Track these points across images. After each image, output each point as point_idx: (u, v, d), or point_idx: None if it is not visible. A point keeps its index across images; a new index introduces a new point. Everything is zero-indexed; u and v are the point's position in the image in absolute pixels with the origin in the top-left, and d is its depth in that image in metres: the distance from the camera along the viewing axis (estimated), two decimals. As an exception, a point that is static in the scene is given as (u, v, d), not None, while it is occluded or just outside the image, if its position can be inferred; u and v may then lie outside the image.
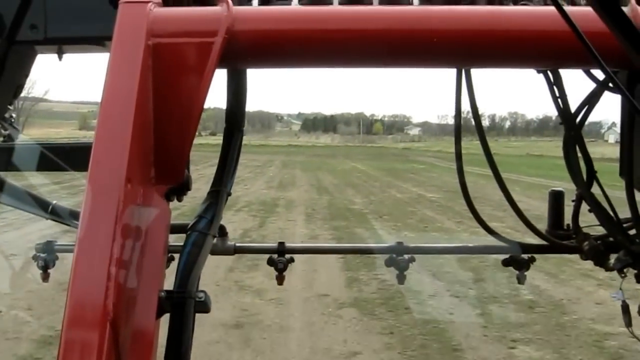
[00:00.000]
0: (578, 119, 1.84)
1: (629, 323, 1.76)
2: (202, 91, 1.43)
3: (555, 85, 1.80)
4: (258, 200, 20.37)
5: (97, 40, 1.87)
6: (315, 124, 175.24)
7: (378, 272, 9.41)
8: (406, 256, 2.17)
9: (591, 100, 1.83)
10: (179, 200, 1.66)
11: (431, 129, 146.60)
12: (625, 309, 1.79)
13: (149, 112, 1.40)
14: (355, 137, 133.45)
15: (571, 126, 1.83)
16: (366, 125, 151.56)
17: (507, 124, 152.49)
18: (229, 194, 1.81)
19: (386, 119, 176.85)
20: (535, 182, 26.25)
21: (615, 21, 0.92)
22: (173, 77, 1.43)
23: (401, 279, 2.21)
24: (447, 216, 16.68)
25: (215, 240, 1.86)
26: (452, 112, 1.95)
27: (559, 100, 1.81)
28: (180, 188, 1.59)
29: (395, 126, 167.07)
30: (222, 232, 2.21)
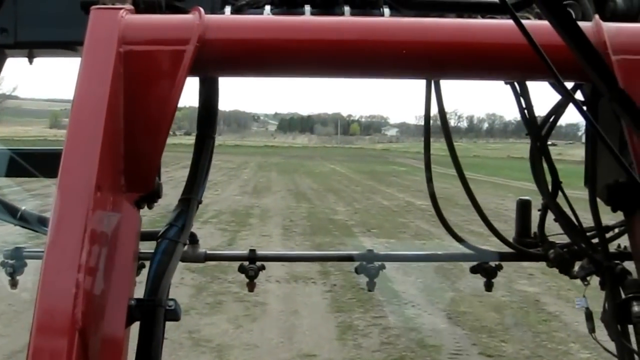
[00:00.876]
0: (544, 130, 1.87)
1: (592, 329, 1.76)
2: (174, 99, 1.44)
3: (522, 96, 1.82)
4: (229, 209, 18.14)
5: (68, 45, 1.87)
6: (292, 124, 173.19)
7: (377, 312, 7.33)
8: (377, 264, 2.15)
9: (557, 112, 1.86)
10: (150, 208, 1.63)
11: (409, 129, 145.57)
12: (589, 315, 1.79)
13: (120, 120, 1.40)
14: (332, 137, 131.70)
15: (537, 137, 1.84)
16: (343, 126, 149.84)
17: (485, 125, 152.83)
18: (200, 202, 1.79)
19: (363, 119, 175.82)
20: (525, 187, 24.54)
21: (572, 38, 0.99)
22: (144, 84, 1.44)
23: (371, 285, 2.15)
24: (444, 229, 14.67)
25: (185, 247, 1.84)
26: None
27: (526, 111, 1.84)
28: (150, 196, 1.56)
29: (373, 127, 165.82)
30: (193, 240, 2.12)
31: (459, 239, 2.13)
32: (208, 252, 2.24)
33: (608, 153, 1.33)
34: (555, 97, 1.85)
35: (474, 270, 2.20)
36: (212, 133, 1.86)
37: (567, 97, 1.62)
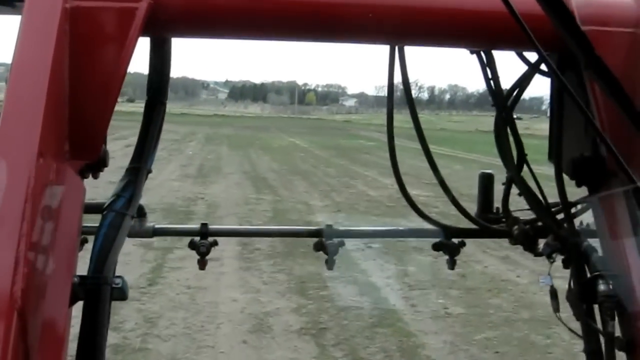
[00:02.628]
0: (510, 101, 1.83)
1: (556, 309, 1.67)
2: (124, 61, 1.37)
3: (488, 66, 1.76)
4: (162, 204, 13.06)
5: (6, 1, 1.72)
6: (244, 92, 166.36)
7: None
8: (336, 240, 2.02)
9: (523, 83, 1.83)
10: (95, 177, 1.56)
11: (368, 100, 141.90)
12: (554, 294, 1.70)
13: (65, 82, 1.34)
14: (287, 107, 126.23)
15: (503, 108, 1.80)
16: (298, 95, 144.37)
17: (447, 96, 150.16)
18: (150, 171, 1.73)
19: (320, 88, 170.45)
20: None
21: (549, 5, 0.99)
22: (92, 44, 1.37)
23: (331, 264, 2.02)
24: (476, 243, 10.32)
25: (132, 221, 1.67)
26: None
27: (491, 81, 1.78)
28: (96, 164, 1.50)
29: (330, 97, 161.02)
30: (141, 213, 1.94)
31: (423, 215, 1.96)
32: (157, 226, 2.03)
33: (573, 127, 1.55)
34: (519, 70, 1.80)
35: (436, 247, 2.04)
36: (163, 99, 1.78)
37: (540, 63, 1.62)
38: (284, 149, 32.76)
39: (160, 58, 1.76)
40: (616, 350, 1.40)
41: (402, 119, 2.01)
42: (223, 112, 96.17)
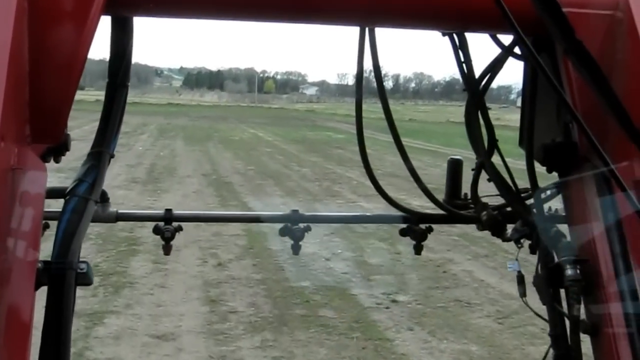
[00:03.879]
0: (481, 85, 1.81)
1: (523, 293, 1.71)
2: (86, 40, 1.34)
3: (461, 49, 1.74)
4: (94, 226, 10.18)
5: None
6: (199, 79, 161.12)
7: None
8: (301, 225, 2.02)
9: (495, 67, 1.81)
10: (57, 161, 1.57)
11: (330, 89, 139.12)
12: (521, 279, 1.75)
13: (24, 63, 1.30)
14: (245, 95, 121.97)
15: (474, 92, 1.78)
16: (257, 83, 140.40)
17: (412, 85, 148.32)
18: (112, 156, 1.70)
19: (279, 76, 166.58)
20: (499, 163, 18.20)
21: None
22: (52, 23, 1.33)
23: (296, 249, 2.03)
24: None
25: (95, 206, 1.65)
26: (354, 71, 1.82)
27: (464, 65, 1.76)
28: (58, 148, 1.52)
29: (290, 85, 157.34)
30: (104, 198, 1.91)
31: (390, 201, 1.94)
32: (120, 211, 1.99)
33: (544, 113, 1.56)
34: (490, 54, 1.79)
35: (403, 233, 2.02)
36: (125, 81, 1.73)
37: (513, 47, 1.64)
38: (247, 142, 29.77)
39: (122, 39, 1.70)
40: (581, 334, 1.42)
41: (366, 108, 1.86)
42: (178, 101, 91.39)
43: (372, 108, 1.85)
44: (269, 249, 9.58)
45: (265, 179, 17.04)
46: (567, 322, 1.48)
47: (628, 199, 1.09)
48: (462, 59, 1.75)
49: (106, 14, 1.40)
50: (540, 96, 1.65)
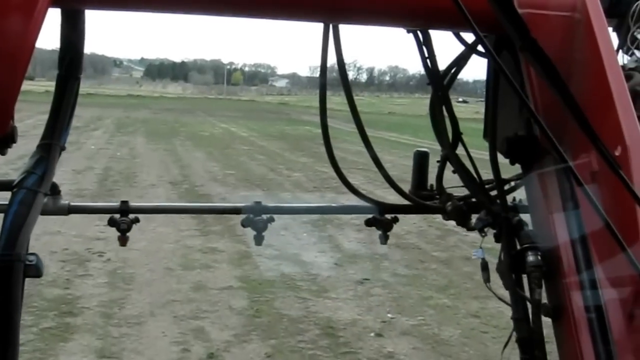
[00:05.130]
0: (445, 80, 1.87)
1: (487, 279, 1.79)
2: (33, 32, 1.34)
3: (425, 45, 1.79)
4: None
5: None
6: (162, 71, 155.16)
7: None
8: (265, 216, 2.02)
9: (460, 62, 1.88)
10: (3, 153, 1.56)
11: (301, 81, 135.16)
12: (484, 266, 1.81)
13: None
14: (211, 87, 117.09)
15: (438, 87, 1.85)
16: (225, 74, 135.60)
17: (387, 78, 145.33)
18: (63, 148, 1.68)
19: (247, 68, 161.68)
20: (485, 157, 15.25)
21: None
22: None
23: (259, 240, 2.04)
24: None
25: (46, 199, 1.69)
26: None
27: (428, 60, 1.81)
28: (4, 139, 1.51)
29: (258, 77, 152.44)
30: (55, 191, 1.90)
31: (355, 191, 1.97)
32: (72, 204, 1.95)
33: (508, 107, 1.63)
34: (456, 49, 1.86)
35: (369, 223, 2.06)
36: (76, 74, 1.71)
37: (477, 44, 1.70)
38: (219, 139, 26.27)
39: (72, 31, 1.68)
40: (542, 317, 1.49)
41: (340, 101, 1.71)
42: (138, 92, 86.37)
43: (343, 99, 1.78)
44: (285, 314, 6.32)
45: (252, 188, 13.69)
46: (530, 307, 1.53)
47: (583, 191, 1.20)
48: (427, 55, 1.76)
49: (54, 6, 1.43)
50: (503, 91, 1.70)
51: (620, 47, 1.73)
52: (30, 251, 1.42)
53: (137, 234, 9.16)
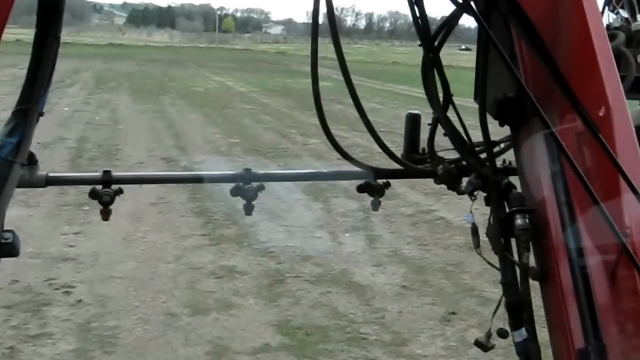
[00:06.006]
0: (437, 41, 1.87)
1: (477, 245, 1.84)
2: None
3: (416, 4, 1.80)
4: None
5: None
6: (147, 17, 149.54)
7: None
8: (254, 184, 1.97)
9: (451, 22, 1.88)
10: None
11: (297, 28, 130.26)
12: (475, 231, 1.85)
13: None
14: (201, 35, 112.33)
15: (430, 48, 1.84)
16: (213, 21, 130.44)
17: (387, 25, 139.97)
18: (41, 114, 1.66)
19: (238, 14, 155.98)
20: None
21: None
22: None
23: (248, 209, 1.99)
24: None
25: (22, 170, 1.66)
26: (323, 10, 1.78)
27: (419, 20, 1.80)
28: None
29: (251, 23, 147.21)
30: (32, 160, 1.85)
31: (346, 156, 1.96)
32: (50, 174, 1.89)
33: (497, 68, 1.63)
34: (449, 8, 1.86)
35: (360, 189, 2.07)
36: (56, 32, 1.67)
37: (467, 4, 1.70)
38: (215, 96, 23.61)
39: None
40: (530, 280, 1.55)
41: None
42: (121, 41, 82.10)
43: (347, 49, 1.76)
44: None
45: (264, 162, 11.24)
46: (518, 271, 1.56)
47: (564, 154, 1.27)
48: (418, 14, 1.78)
49: None
50: (493, 52, 1.68)
51: (605, 5, 1.81)
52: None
53: (123, 246, 6.67)
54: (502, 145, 1.89)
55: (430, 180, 1.97)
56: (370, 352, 4.69)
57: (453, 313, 5.38)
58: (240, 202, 6.78)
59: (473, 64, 1.89)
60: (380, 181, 2.04)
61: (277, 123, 16.89)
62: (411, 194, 9.12)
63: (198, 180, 2.44)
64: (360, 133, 13.32)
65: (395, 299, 5.63)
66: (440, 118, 1.84)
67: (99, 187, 1.85)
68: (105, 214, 1.85)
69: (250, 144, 13.40)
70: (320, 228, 7.54)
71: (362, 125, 1.72)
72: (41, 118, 1.64)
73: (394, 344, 4.85)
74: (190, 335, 4.93)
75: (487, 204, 1.73)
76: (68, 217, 7.82)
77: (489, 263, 1.68)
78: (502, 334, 1.58)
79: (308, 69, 1.72)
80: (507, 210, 1.60)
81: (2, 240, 1.40)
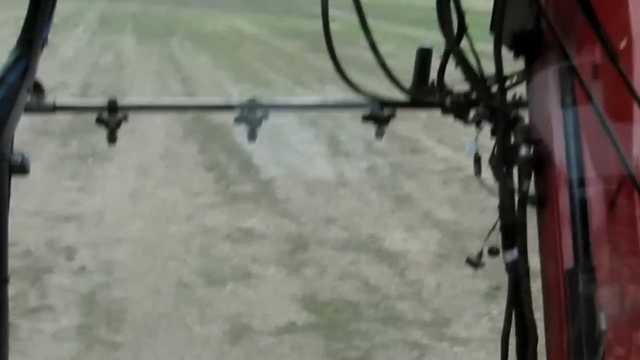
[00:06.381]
0: None
1: (478, 172, 1.87)
2: None
3: None
4: None
5: None
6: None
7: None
8: (259, 112, 1.99)
9: None
10: None
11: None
12: (477, 159, 1.87)
13: None
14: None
15: None
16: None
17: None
18: (45, 42, 1.68)
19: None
20: None
21: None
22: None
23: (252, 136, 1.98)
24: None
25: (29, 96, 1.73)
26: None
27: None
28: None
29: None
30: (39, 88, 1.88)
31: (353, 86, 1.94)
32: (58, 102, 1.96)
33: None
34: None
35: (365, 118, 2.05)
36: None
37: None
38: (224, 38, 22.75)
39: None
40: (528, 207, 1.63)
41: None
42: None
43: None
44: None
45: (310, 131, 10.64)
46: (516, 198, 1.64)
47: (580, 84, 1.31)
48: None
49: None
50: None
51: None
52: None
53: (130, 203, 6.17)
54: (515, 79, 1.88)
55: (460, 134, 1.91)
56: (409, 333, 4.23)
57: (497, 288, 4.88)
58: (255, 156, 6.23)
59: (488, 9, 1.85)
60: (386, 111, 2.08)
61: (291, 68, 16.18)
62: (440, 149, 8.52)
63: (202, 108, 2.60)
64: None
65: (431, 269, 5.13)
66: (453, 48, 1.83)
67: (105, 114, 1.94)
68: (112, 139, 1.96)
69: (263, 92, 12.76)
70: (344, 186, 7.01)
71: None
72: (43, 62, 1.65)
73: (435, 323, 4.38)
74: (206, 311, 4.48)
75: (492, 135, 1.81)
76: (71, 170, 7.34)
77: (487, 190, 1.78)
78: (494, 252, 1.71)
79: (317, 9, 1.58)
80: (513, 141, 1.71)
81: (13, 162, 1.49)
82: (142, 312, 4.45)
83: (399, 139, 9.01)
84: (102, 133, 5.88)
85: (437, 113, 2.32)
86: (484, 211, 6.59)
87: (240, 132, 6.30)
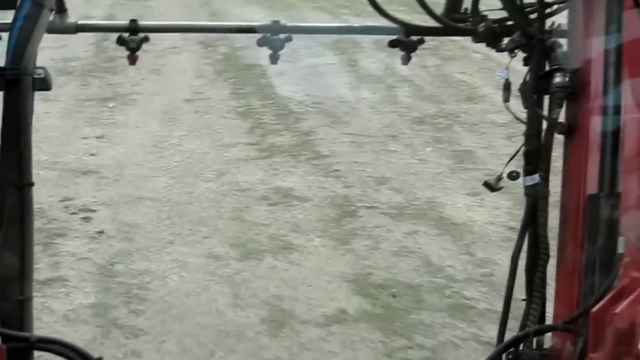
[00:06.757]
0: None
1: (507, 99, 1.91)
2: None
3: None
4: None
5: None
6: None
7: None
8: (282, 35, 2.04)
9: None
10: None
11: None
12: (507, 86, 1.93)
13: None
14: None
15: None
16: None
17: None
18: None
19: None
20: None
21: None
22: None
23: (274, 58, 2.08)
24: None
25: (52, 17, 1.81)
26: None
27: None
28: None
29: None
30: (62, 8, 2.01)
31: (381, 11, 1.97)
32: (80, 22, 2.09)
33: None
34: None
35: (393, 44, 2.10)
36: None
37: None
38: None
39: None
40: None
41: None
42: None
43: None
44: None
45: (318, 51, 9.80)
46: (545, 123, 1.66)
47: (633, 15, 1.27)
48: None
49: None
50: None
51: None
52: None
53: (154, 156, 5.51)
54: (556, 6, 1.83)
55: (520, 79, 1.81)
56: (482, 329, 3.56)
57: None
58: (293, 102, 5.31)
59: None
60: (414, 38, 2.05)
61: (326, 2, 15.14)
62: (501, 97, 7.65)
63: (224, 30, 2.56)
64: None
65: (502, 245, 4.42)
66: None
67: (126, 34, 2.03)
68: (132, 59, 2.06)
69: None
70: (393, 139, 6.25)
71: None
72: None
73: (512, 317, 3.71)
74: (241, 292, 3.86)
75: (525, 64, 1.80)
76: (90, 115, 6.69)
77: (515, 117, 1.79)
78: (513, 176, 1.75)
79: None
80: (547, 69, 1.69)
81: (36, 76, 1.53)
82: (167, 290, 3.85)
83: (453, 83, 8.14)
84: (126, 73, 5.15)
85: (494, 55, 2.29)
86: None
87: (276, 73, 5.40)
